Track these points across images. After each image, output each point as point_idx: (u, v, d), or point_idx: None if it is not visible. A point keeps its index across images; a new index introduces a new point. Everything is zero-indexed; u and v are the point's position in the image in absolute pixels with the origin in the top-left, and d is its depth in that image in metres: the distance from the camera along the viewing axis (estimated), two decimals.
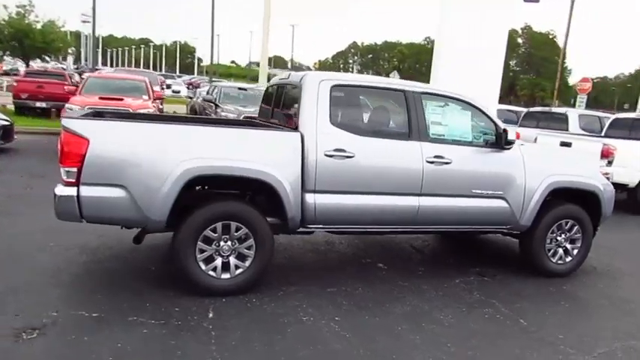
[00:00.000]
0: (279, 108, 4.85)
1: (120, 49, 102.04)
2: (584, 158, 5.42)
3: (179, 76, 56.40)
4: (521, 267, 5.23)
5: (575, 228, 5.08)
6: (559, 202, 4.97)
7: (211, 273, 3.93)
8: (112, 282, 4.11)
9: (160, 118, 5.63)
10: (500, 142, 4.65)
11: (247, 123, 5.45)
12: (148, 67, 74.89)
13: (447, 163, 4.45)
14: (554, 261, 5.06)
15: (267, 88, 5.44)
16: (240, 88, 14.23)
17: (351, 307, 4.01)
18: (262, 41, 17.50)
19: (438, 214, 4.55)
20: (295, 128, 4.16)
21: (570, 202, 5.03)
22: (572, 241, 5.12)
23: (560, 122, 12.04)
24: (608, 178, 5.60)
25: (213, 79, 42.46)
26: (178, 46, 79.14)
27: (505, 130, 4.61)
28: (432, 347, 3.46)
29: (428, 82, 16.39)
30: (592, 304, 4.60)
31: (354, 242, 5.72)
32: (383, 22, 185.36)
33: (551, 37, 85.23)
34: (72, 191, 3.59)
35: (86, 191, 3.60)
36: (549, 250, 5.03)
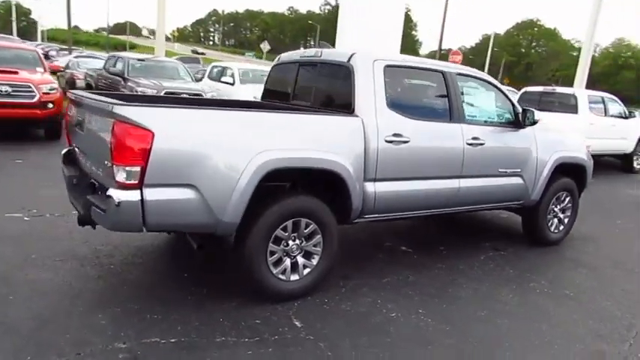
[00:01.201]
0: (309, 89, 4.44)
1: None
2: (572, 134, 5.83)
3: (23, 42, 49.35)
4: (520, 238, 5.56)
5: (568, 199, 5.51)
6: (558, 177, 5.33)
7: (281, 276, 3.54)
8: (155, 297, 3.49)
9: (208, 102, 4.86)
10: (521, 121, 4.80)
11: (272, 106, 4.77)
12: None
13: (481, 144, 4.48)
14: (552, 230, 5.45)
15: (279, 66, 4.94)
16: (139, 60, 12.92)
17: (421, 296, 3.90)
18: (158, 8, 15.87)
19: (471, 195, 4.60)
20: (351, 112, 3.85)
21: (564, 175, 5.42)
22: (563, 211, 5.55)
23: None
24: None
25: (74, 48, 38.01)
26: (14, 7, 68.77)
27: (528, 110, 4.77)
28: (525, 329, 3.53)
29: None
30: (600, 268, 5.03)
31: (359, 226, 5.56)
32: None
33: (407, 10, 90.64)
34: (135, 195, 2.92)
35: (151, 194, 2.96)
36: (549, 221, 5.40)
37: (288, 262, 3.57)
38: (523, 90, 11.86)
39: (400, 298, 3.82)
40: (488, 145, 4.54)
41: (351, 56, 3.96)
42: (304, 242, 3.61)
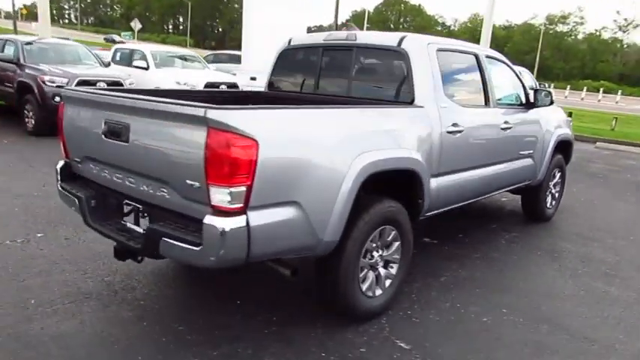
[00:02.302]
0: (342, 77, 3.96)
1: None
2: (559, 110, 5.97)
3: None
4: (518, 218, 5.67)
5: (559, 174, 5.70)
6: (555, 154, 5.46)
7: (369, 292, 3.13)
8: (223, 333, 2.90)
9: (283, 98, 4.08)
10: (533, 101, 4.78)
11: (320, 100, 3.98)
12: None
13: (510, 128, 4.39)
14: (547, 207, 5.61)
15: (290, 51, 4.35)
16: (27, 43, 11.07)
17: (492, 293, 3.72)
18: None
19: (500, 180, 4.51)
20: (410, 103, 3.50)
21: (557, 152, 5.57)
22: (555, 186, 5.74)
23: None
24: None
25: None
26: None
27: (542, 90, 4.76)
28: (602, 306, 3.53)
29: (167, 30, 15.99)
30: (598, 240, 5.26)
31: None
32: None
33: None
34: (241, 221, 2.32)
35: (257, 219, 2.38)
36: (546, 198, 5.55)
37: (372, 275, 3.17)
38: None
39: (475, 299, 3.60)
40: (514, 129, 4.47)
41: (402, 39, 3.58)
42: (384, 251, 3.23)
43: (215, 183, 2.28)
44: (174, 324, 3.00)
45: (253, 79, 13.95)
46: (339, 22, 29.19)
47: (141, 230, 2.82)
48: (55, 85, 8.70)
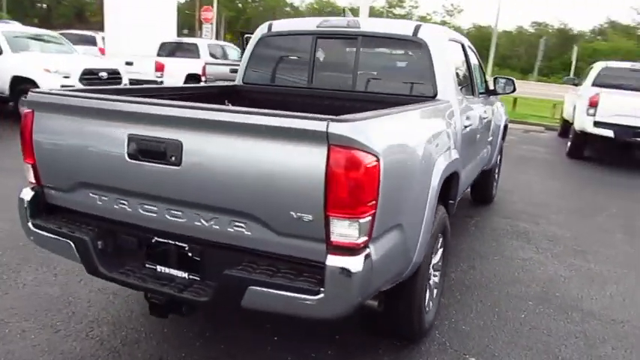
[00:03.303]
0: (343, 70, 3.55)
1: None
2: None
3: None
4: (463, 200, 5.83)
5: (499, 157, 5.96)
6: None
7: (427, 307, 2.87)
8: None
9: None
10: (496, 89, 4.84)
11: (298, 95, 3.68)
12: None
13: (487, 117, 4.42)
14: (494, 189, 5.86)
15: (270, 38, 3.75)
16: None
17: (502, 285, 3.71)
18: None
19: (477, 170, 4.53)
20: (433, 97, 3.26)
21: None
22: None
23: (191, 52, 13.07)
24: None
25: None
26: None
27: (503, 78, 4.84)
28: (598, 284, 3.73)
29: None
30: (542, 216, 5.61)
31: None
32: None
33: None
34: (365, 258, 1.89)
35: (375, 251, 1.96)
36: (494, 181, 5.78)
37: (427, 289, 2.91)
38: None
39: (496, 295, 3.56)
40: (488, 118, 4.50)
41: (418, 29, 3.31)
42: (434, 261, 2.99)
43: (338, 214, 1.82)
44: None
45: (129, 63, 12.56)
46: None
47: (185, 276, 2.21)
48: None
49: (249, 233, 1.99)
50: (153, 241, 2.24)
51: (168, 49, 13.65)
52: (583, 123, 8.44)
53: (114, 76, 9.92)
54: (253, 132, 1.87)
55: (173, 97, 3.01)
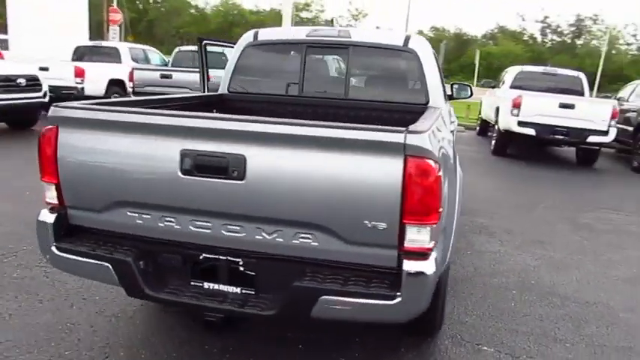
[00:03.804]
0: (334, 78, 3.63)
1: None
2: None
3: None
4: None
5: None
6: None
7: None
8: None
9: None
10: (451, 94, 5.14)
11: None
12: None
13: (453, 122, 4.69)
14: None
15: (257, 47, 3.71)
16: None
17: (485, 277, 3.99)
18: None
19: None
20: (425, 104, 3.45)
21: None
22: None
23: (111, 56, 12.57)
24: None
25: None
26: None
27: (459, 84, 5.17)
28: (582, 274, 4.12)
29: None
30: (491, 212, 6.05)
31: None
32: None
33: None
34: (434, 262, 2.00)
35: (437, 253, 2.08)
36: None
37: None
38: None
39: (484, 288, 3.82)
40: (455, 121, 4.79)
41: (408, 39, 3.49)
42: None
43: (413, 221, 1.91)
44: None
45: (44, 69, 11.63)
46: None
47: (237, 291, 2.19)
48: None
49: (316, 244, 2.02)
50: (201, 257, 2.19)
51: (84, 54, 12.86)
52: (508, 123, 9.16)
53: (32, 82, 9.21)
54: (324, 144, 1.91)
55: (159, 108, 2.92)
